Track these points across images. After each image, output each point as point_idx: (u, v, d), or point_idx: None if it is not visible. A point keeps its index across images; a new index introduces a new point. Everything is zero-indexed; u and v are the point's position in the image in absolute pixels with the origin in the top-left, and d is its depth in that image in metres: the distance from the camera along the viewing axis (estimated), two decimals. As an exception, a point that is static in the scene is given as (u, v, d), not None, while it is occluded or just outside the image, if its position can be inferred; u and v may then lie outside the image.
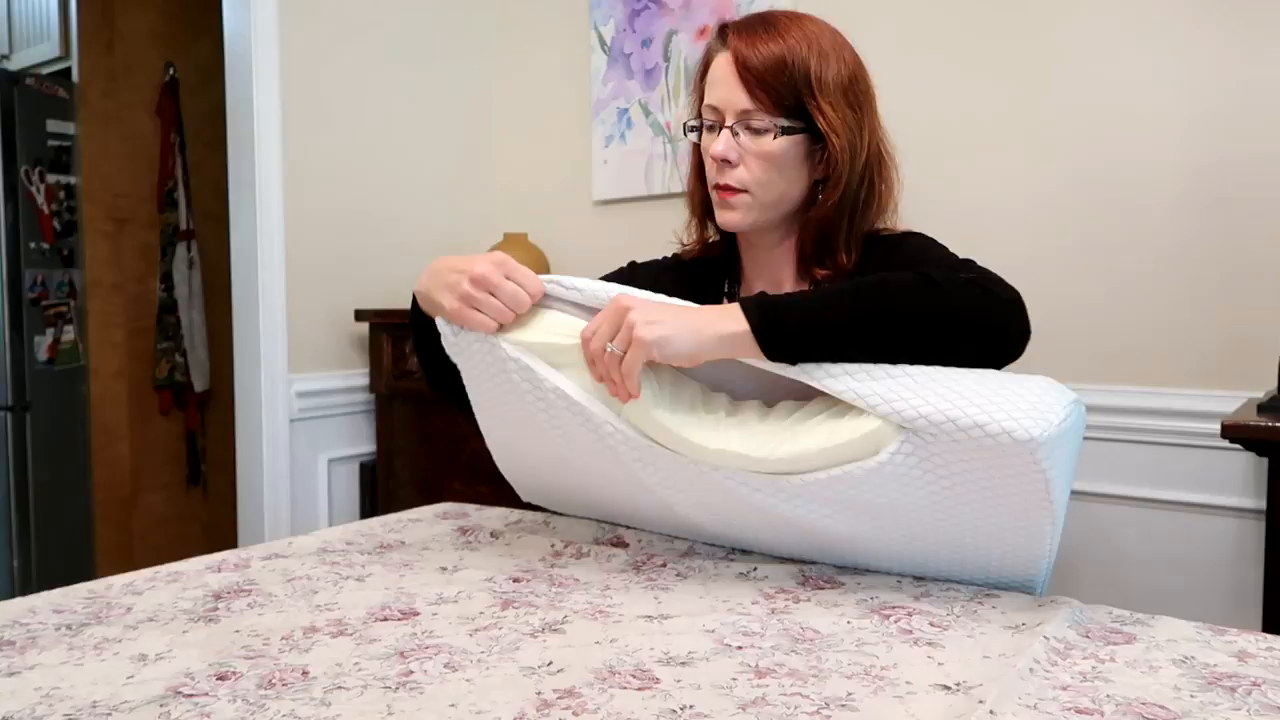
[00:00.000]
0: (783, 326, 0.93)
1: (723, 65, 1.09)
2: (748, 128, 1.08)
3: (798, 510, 0.96)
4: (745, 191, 1.10)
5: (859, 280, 0.97)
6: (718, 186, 1.12)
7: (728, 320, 0.94)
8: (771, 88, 1.06)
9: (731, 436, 0.95)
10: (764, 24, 1.09)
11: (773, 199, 1.12)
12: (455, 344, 1.06)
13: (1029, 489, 0.87)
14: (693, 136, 1.16)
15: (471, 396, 1.10)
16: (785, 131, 1.07)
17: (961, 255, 1.17)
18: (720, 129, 1.10)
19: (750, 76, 1.06)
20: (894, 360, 0.93)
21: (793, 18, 1.10)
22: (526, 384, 1.02)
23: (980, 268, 1.04)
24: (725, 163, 1.09)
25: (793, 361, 0.93)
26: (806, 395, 0.99)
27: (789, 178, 1.11)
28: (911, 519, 0.94)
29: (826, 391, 0.93)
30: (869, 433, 0.89)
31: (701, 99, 1.15)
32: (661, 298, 1.01)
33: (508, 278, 1.01)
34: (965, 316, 0.94)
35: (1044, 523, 0.91)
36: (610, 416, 0.99)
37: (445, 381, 1.14)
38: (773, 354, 0.93)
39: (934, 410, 0.86)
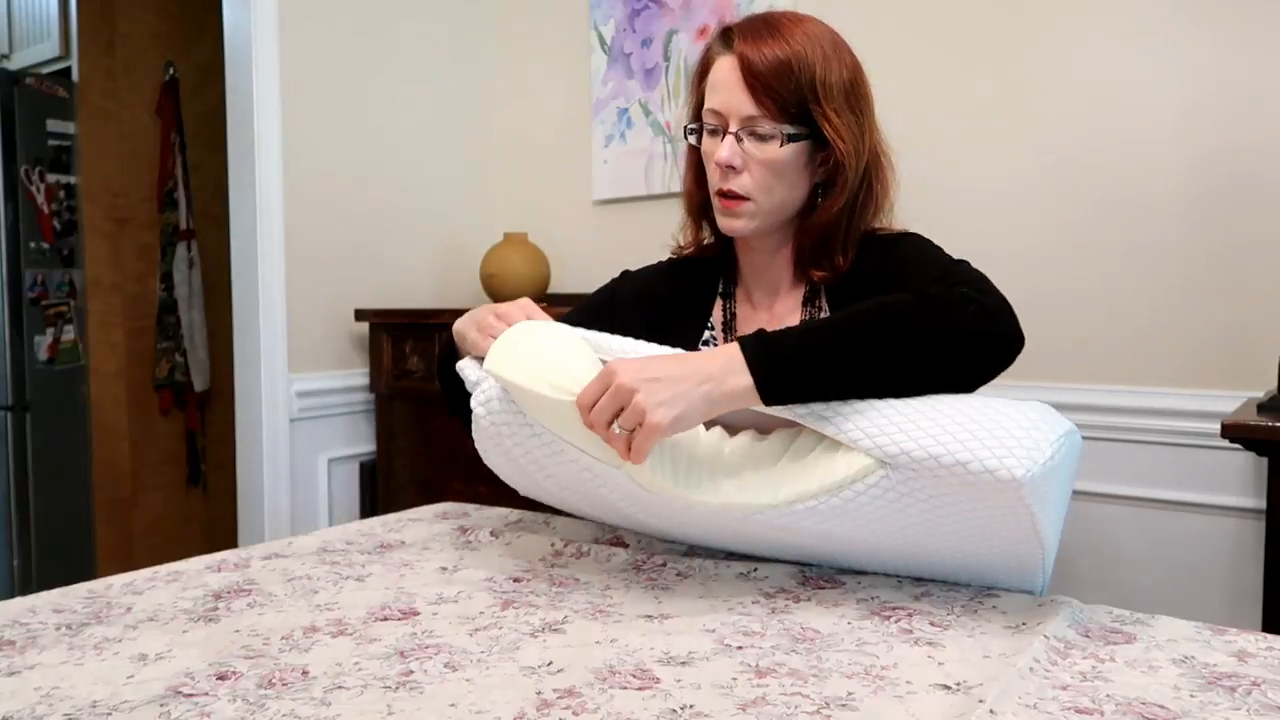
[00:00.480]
0: (788, 371, 0.91)
1: (726, 69, 1.08)
2: (752, 134, 1.07)
3: (783, 536, 0.97)
4: (749, 199, 1.10)
5: (856, 313, 0.95)
6: (721, 193, 1.11)
7: (732, 374, 0.91)
8: (777, 94, 1.05)
9: (729, 489, 0.93)
10: (768, 27, 1.08)
11: (776, 205, 1.11)
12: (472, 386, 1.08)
13: (1015, 524, 0.86)
14: (693, 139, 1.16)
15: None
16: (791, 139, 1.07)
17: (959, 255, 1.17)
18: (724, 134, 1.09)
19: (756, 82, 1.05)
20: (898, 385, 0.92)
21: (795, 20, 1.10)
22: (509, 421, 1.02)
23: (972, 271, 1.04)
24: (729, 169, 1.09)
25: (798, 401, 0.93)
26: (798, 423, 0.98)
27: (792, 184, 1.11)
28: (897, 544, 0.94)
29: (810, 428, 0.92)
30: (862, 468, 0.88)
31: (701, 101, 1.14)
32: (648, 350, 1.00)
33: (527, 316, 1.09)
34: (964, 333, 0.93)
35: (1033, 553, 0.90)
36: (580, 455, 0.98)
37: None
38: (779, 400, 0.92)
39: (916, 446, 0.84)
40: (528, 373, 0.95)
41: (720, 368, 0.91)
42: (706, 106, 1.12)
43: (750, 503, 0.92)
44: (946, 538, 0.91)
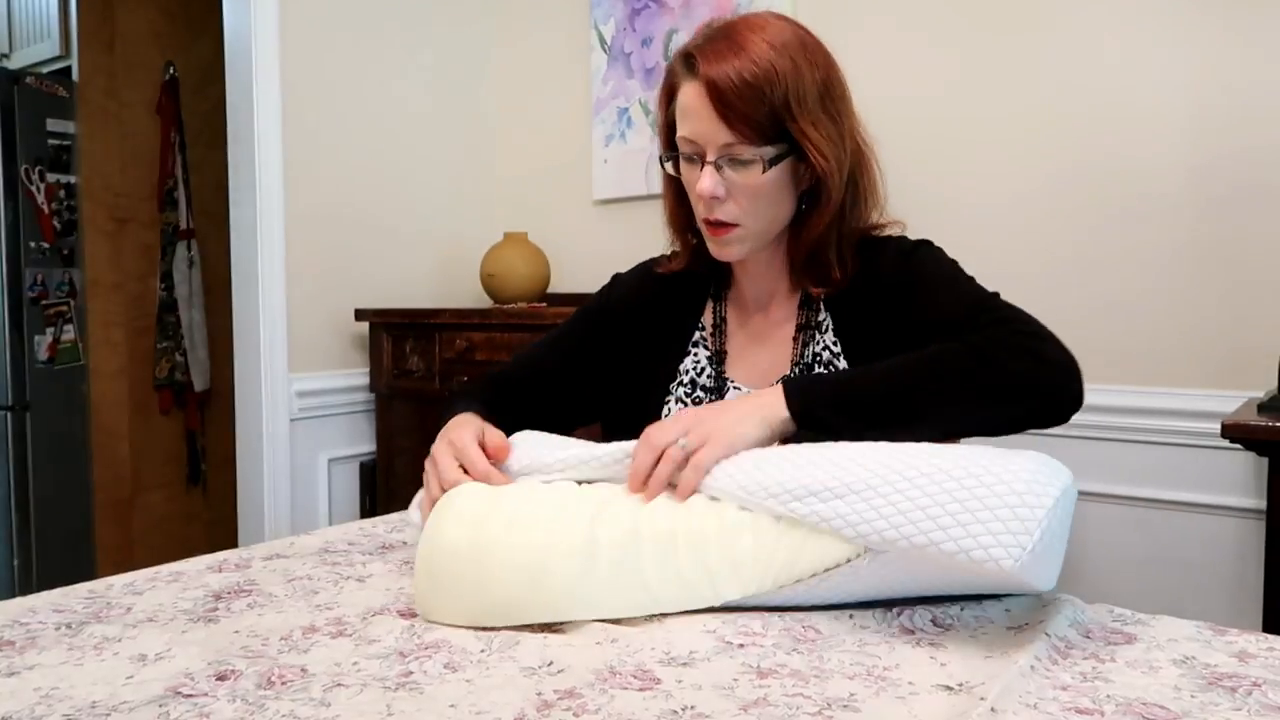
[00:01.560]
0: (826, 398, 0.97)
1: (694, 96, 1.03)
2: (731, 160, 1.03)
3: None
4: (737, 225, 1.07)
5: (908, 358, 0.98)
6: (708, 222, 1.08)
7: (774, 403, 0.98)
8: (750, 118, 1.01)
9: (729, 588, 0.91)
10: (730, 44, 1.02)
11: (765, 226, 1.09)
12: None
13: (1009, 587, 0.88)
14: (669, 168, 1.12)
15: None
16: (772, 162, 1.03)
17: (963, 254, 1.17)
18: (702, 163, 1.05)
19: (728, 110, 1.00)
20: (944, 426, 0.96)
21: (757, 28, 1.03)
22: None
23: (1013, 312, 1.03)
24: (713, 199, 1.05)
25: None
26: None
27: (778, 202, 1.08)
28: (889, 593, 0.93)
29: (790, 516, 0.89)
30: (849, 553, 0.87)
31: (671, 126, 1.10)
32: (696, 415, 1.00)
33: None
34: (1022, 396, 0.95)
35: (1029, 593, 0.91)
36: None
37: None
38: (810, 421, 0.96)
39: (899, 536, 0.83)
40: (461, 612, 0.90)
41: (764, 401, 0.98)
42: (680, 135, 1.07)
43: (751, 595, 0.91)
44: (940, 590, 0.92)
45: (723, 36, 1.04)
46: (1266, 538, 1.35)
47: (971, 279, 1.10)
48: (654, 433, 0.96)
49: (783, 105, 1.01)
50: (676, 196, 1.17)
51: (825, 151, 1.03)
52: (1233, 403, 1.64)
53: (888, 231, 1.16)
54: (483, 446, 1.02)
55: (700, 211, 1.09)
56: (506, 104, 2.90)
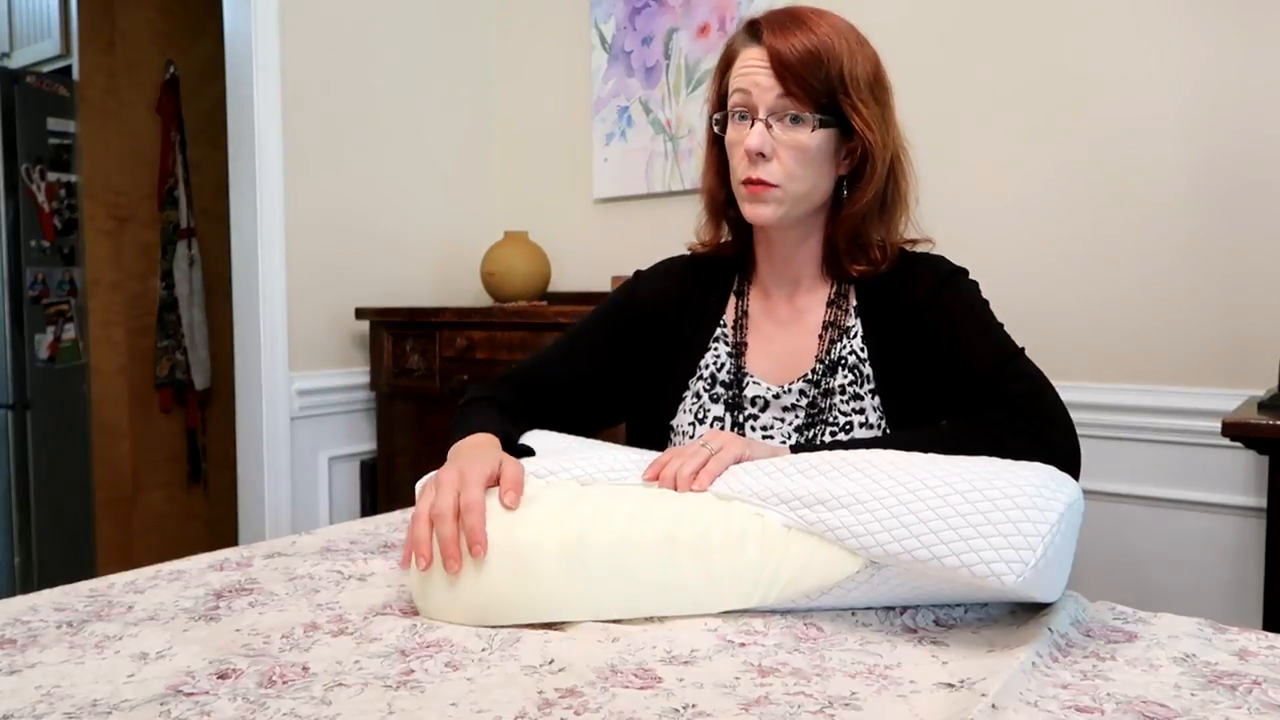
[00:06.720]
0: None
1: (755, 58, 1.08)
2: (782, 120, 1.07)
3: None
4: (776, 186, 1.09)
5: (916, 440, 0.99)
6: (748, 181, 1.10)
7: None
8: (807, 84, 1.06)
9: (731, 597, 0.90)
10: (794, 20, 1.09)
11: (803, 193, 1.11)
12: None
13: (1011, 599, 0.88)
14: (718, 129, 1.15)
15: None
16: (821, 124, 1.07)
17: (962, 254, 1.17)
18: (753, 121, 1.08)
19: (786, 71, 1.06)
20: None
21: (818, 14, 1.10)
22: None
23: (1029, 376, 1.05)
24: (759, 156, 1.08)
25: None
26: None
27: (820, 172, 1.11)
28: (888, 601, 0.93)
29: (797, 525, 0.89)
30: (854, 566, 0.87)
31: (724, 93, 1.14)
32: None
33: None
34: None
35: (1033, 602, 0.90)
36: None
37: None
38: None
39: (901, 550, 0.83)
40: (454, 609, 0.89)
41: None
42: (734, 89, 1.11)
43: (747, 606, 0.91)
44: (944, 600, 0.92)
45: (787, 17, 1.10)
46: (1267, 536, 1.35)
47: (1000, 325, 1.12)
48: (679, 448, 1.02)
49: (837, 79, 1.07)
50: (718, 172, 1.19)
51: (873, 126, 1.09)
52: (1233, 401, 1.64)
53: (920, 248, 1.19)
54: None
55: (742, 170, 1.11)
56: (507, 102, 2.90)
